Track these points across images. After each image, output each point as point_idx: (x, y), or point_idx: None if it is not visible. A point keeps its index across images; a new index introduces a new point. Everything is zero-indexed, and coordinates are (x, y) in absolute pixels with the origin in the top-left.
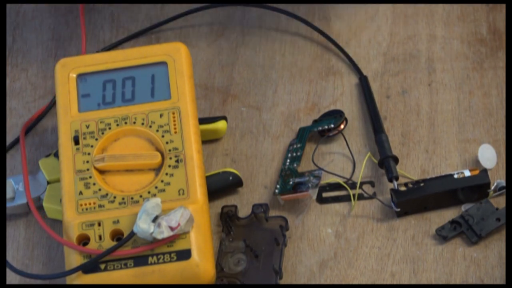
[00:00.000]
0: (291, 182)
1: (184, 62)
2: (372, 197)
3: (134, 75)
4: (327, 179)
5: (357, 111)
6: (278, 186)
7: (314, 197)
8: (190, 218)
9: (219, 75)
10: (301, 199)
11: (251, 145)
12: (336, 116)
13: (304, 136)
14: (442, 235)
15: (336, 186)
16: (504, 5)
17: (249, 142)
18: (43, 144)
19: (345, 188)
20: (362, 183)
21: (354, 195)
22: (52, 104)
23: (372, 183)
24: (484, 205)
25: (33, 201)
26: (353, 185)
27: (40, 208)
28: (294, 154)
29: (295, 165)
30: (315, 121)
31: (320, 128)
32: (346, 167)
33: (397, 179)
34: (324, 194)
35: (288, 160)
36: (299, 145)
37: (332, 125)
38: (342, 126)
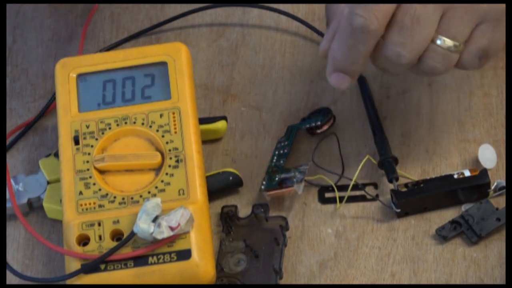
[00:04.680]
0: (277, 178)
1: (184, 62)
2: (375, 199)
3: (134, 75)
4: (332, 179)
5: (357, 111)
6: (264, 182)
7: (300, 192)
8: (190, 218)
9: (219, 75)
10: (287, 195)
11: (251, 145)
12: (324, 113)
13: (291, 133)
14: (442, 235)
15: (338, 187)
16: None
17: (249, 142)
18: (43, 144)
19: (346, 189)
20: (364, 185)
21: (341, 197)
22: (48, 106)
23: (375, 185)
24: (484, 205)
25: (33, 201)
26: (355, 187)
27: (40, 208)
28: (281, 151)
29: (281, 162)
30: (303, 119)
31: (307, 126)
32: (346, 167)
33: (397, 179)
34: (327, 195)
35: (275, 157)
36: (286, 143)
37: (319, 122)
38: (329, 123)
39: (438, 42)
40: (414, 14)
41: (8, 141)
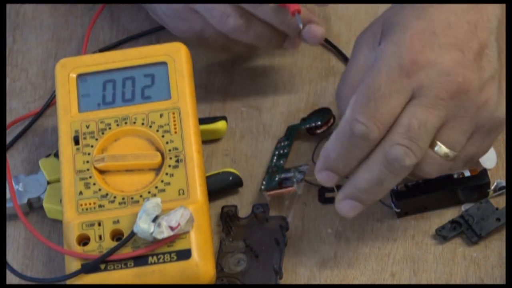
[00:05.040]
0: (277, 178)
1: (184, 62)
2: None
3: (134, 75)
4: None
5: None
6: (264, 182)
7: (300, 192)
8: (190, 218)
9: (219, 75)
10: (287, 195)
11: (251, 145)
12: (324, 113)
13: (291, 133)
14: (442, 235)
15: (338, 187)
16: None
17: (249, 142)
18: (43, 144)
19: None
20: None
21: None
22: (47, 105)
23: None
24: (484, 205)
25: (33, 201)
26: None
27: (40, 208)
28: (281, 152)
29: (281, 162)
30: (303, 119)
31: (307, 126)
32: None
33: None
34: (327, 195)
35: (275, 157)
36: (286, 143)
37: (319, 122)
38: (329, 124)
39: (437, 149)
40: (421, 118)
41: (7, 138)
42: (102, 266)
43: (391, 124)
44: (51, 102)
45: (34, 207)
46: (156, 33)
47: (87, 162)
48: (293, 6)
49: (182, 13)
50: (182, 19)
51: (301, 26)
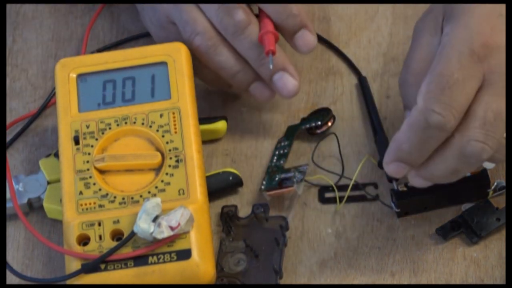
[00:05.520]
0: (277, 178)
1: (184, 62)
2: (375, 199)
3: (134, 75)
4: (332, 179)
5: (357, 112)
6: (264, 182)
7: (300, 192)
8: (190, 218)
9: None
10: (286, 194)
11: (251, 145)
12: (324, 113)
13: (292, 133)
14: (442, 235)
15: (338, 187)
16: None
17: (249, 142)
18: (43, 144)
19: (346, 189)
20: (364, 185)
21: (341, 197)
22: (45, 104)
23: (375, 185)
24: (484, 205)
25: (33, 201)
26: (355, 187)
27: (40, 208)
28: (281, 152)
29: (281, 162)
30: (303, 119)
31: (307, 126)
32: (346, 167)
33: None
34: (327, 195)
35: (275, 157)
36: (286, 143)
37: (319, 122)
38: (329, 124)
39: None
40: (496, 109)
41: (7, 138)
42: (102, 266)
43: (465, 112)
44: (49, 102)
45: (34, 207)
46: None
47: (87, 162)
48: (269, 46)
49: (164, 23)
50: (164, 29)
51: (271, 66)
